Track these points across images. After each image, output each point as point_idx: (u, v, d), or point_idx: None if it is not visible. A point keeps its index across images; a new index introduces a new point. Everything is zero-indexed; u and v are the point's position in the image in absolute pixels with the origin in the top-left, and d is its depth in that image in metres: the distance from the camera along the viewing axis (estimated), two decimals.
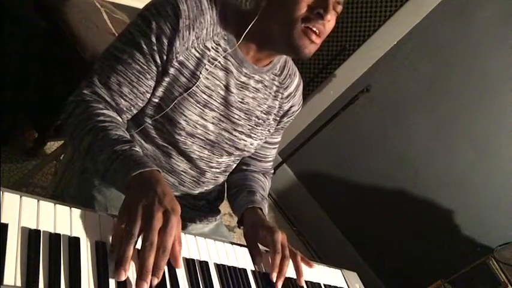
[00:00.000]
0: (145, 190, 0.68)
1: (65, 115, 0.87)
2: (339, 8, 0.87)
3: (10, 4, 1.40)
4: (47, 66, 1.55)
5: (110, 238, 0.66)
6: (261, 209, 1.02)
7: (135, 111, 0.91)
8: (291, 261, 0.90)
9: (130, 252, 0.61)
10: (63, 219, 0.63)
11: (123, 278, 0.60)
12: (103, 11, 1.57)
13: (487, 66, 2.21)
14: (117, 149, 0.75)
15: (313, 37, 0.85)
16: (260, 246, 0.92)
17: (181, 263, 0.68)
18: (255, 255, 0.89)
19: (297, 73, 1.09)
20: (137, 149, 0.78)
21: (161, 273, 0.62)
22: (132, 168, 0.71)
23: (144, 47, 0.84)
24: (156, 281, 0.62)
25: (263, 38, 0.90)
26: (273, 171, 1.24)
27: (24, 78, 1.55)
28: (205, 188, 1.09)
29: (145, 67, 0.86)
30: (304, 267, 0.93)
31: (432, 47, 2.33)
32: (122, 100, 0.87)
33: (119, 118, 0.88)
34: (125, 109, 0.88)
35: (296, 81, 1.08)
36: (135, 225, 0.63)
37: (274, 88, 1.03)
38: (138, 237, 0.63)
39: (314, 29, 0.84)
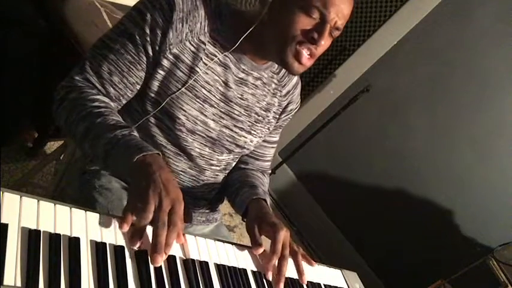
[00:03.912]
0: (149, 177, 0.72)
1: (57, 100, 0.88)
2: (336, 33, 0.88)
3: (10, 4, 1.40)
4: (47, 66, 1.55)
5: (111, 235, 0.68)
6: (265, 201, 1.01)
7: (124, 101, 0.93)
8: (291, 261, 0.89)
9: (145, 228, 0.69)
10: (63, 219, 0.64)
11: (136, 247, 0.68)
12: (103, 11, 1.57)
13: (487, 66, 2.21)
14: (117, 134, 0.77)
15: (304, 60, 0.87)
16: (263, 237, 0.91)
17: (182, 238, 0.75)
18: (254, 248, 0.88)
19: None
20: (135, 133, 0.81)
21: (170, 250, 0.68)
22: (135, 153, 0.74)
23: (137, 38, 0.86)
24: (164, 257, 0.67)
25: (259, 44, 0.92)
26: (270, 171, 1.24)
27: (24, 78, 1.55)
28: (205, 187, 1.08)
29: (136, 58, 0.87)
30: (305, 265, 0.92)
31: (432, 47, 2.33)
32: (112, 89, 0.89)
33: (112, 104, 0.89)
34: (114, 97, 0.90)
35: (294, 80, 1.09)
36: (149, 209, 0.68)
37: (273, 86, 1.04)
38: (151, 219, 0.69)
39: (306, 50, 0.86)
